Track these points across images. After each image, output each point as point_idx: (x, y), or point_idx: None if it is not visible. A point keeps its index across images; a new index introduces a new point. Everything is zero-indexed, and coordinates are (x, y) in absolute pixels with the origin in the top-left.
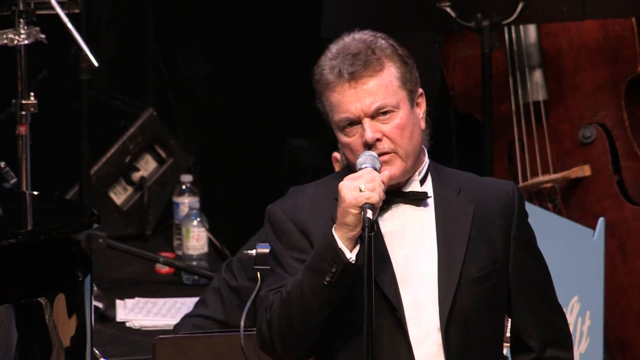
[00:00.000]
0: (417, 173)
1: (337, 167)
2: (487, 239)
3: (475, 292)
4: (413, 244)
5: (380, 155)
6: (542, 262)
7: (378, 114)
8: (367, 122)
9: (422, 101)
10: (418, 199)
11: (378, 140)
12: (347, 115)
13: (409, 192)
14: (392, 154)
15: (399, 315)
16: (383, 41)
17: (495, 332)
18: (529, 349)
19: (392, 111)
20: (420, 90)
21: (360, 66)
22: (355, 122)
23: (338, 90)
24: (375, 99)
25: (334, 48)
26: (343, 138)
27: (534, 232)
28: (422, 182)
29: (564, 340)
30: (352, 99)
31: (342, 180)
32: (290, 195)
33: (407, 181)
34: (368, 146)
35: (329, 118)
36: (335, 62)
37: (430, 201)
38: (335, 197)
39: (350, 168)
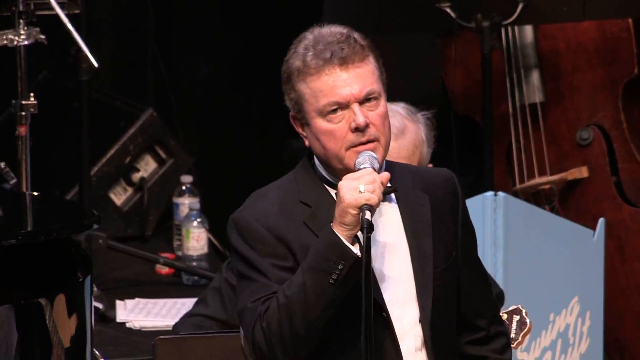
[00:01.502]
0: (382, 167)
1: None
2: (442, 229)
3: (445, 282)
4: (384, 239)
5: (367, 142)
6: (475, 240)
7: (365, 100)
8: (356, 106)
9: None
10: (385, 193)
11: (367, 126)
12: (335, 99)
13: None
14: (375, 143)
15: (386, 314)
16: (358, 34)
17: (455, 318)
18: (477, 328)
19: (377, 98)
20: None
21: (350, 52)
22: (342, 107)
23: (328, 74)
24: (365, 84)
25: (310, 36)
26: (324, 125)
27: (535, 235)
28: None
29: (499, 314)
30: (343, 83)
31: (302, 181)
32: (253, 202)
33: None
34: (358, 131)
35: (305, 106)
36: (321, 47)
37: (392, 196)
38: (300, 199)
39: (308, 163)
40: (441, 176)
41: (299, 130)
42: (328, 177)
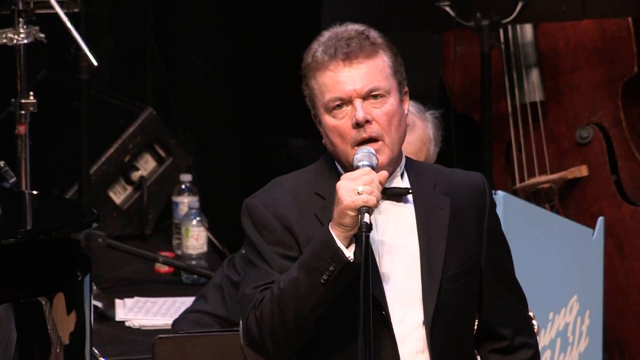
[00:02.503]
0: (397, 168)
1: None
2: (462, 233)
3: (456, 287)
4: (395, 240)
5: (369, 140)
6: (508, 250)
7: (369, 96)
8: (358, 102)
9: (407, 100)
10: (399, 195)
11: (368, 122)
12: (338, 94)
13: (392, 188)
14: (380, 143)
15: (385, 313)
16: (375, 32)
17: (471, 325)
18: (500, 337)
19: (384, 96)
20: (406, 88)
21: (356, 48)
22: (346, 103)
23: (332, 69)
24: (369, 80)
25: (326, 34)
26: (330, 121)
27: (534, 234)
28: (401, 177)
29: (529, 326)
30: (345, 79)
31: (320, 173)
32: (268, 189)
33: (389, 177)
34: (358, 127)
35: (316, 102)
36: (330, 44)
37: (409, 197)
38: (315, 191)
39: (330, 156)
40: (470, 180)
41: (320, 128)
42: (343, 172)
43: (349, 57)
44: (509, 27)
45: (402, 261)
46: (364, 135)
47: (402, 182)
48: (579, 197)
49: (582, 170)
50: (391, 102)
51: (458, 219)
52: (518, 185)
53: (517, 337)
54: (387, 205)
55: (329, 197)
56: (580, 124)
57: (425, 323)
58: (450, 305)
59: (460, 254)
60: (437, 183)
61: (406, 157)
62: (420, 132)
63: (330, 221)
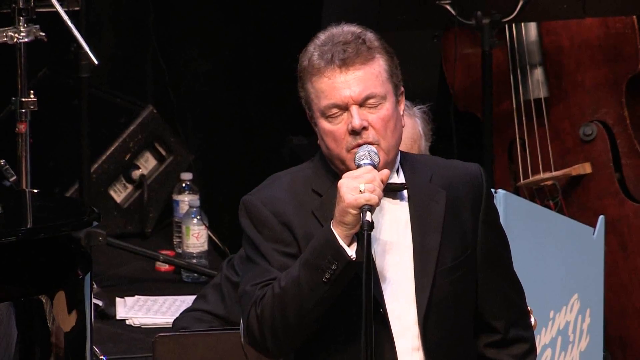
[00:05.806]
0: (393, 165)
1: None
2: (458, 226)
3: (450, 282)
4: (390, 237)
5: (364, 145)
6: (505, 242)
7: (366, 102)
8: (354, 109)
9: (402, 100)
10: (394, 191)
11: (364, 128)
12: (334, 101)
13: (387, 184)
14: (376, 147)
15: (383, 311)
16: (371, 34)
17: (469, 319)
18: (493, 330)
19: (380, 101)
20: (402, 89)
21: (352, 53)
22: (342, 109)
23: (328, 75)
24: (365, 87)
25: (322, 36)
26: (326, 126)
27: (535, 232)
28: (397, 173)
29: (525, 319)
30: (342, 85)
31: (317, 170)
32: (266, 186)
33: None
34: (354, 134)
35: (312, 105)
36: (326, 49)
37: (404, 192)
38: (312, 188)
39: (324, 156)
40: (467, 171)
41: (315, 128)
42: (339, 171)
43: (345, 64)
44: (514, 25)
45: (396, 258)
46: (360, 141)
47: (397, 177)
48: (583, 194)
49: (586, 168)
50: (387, 106)
51: (454, 211)
52: (522, 182)
53: (510, 330)
54: (383, 202)
55: (326, 194)
56: (584, 121)
57: (418, 320)
58: (444, 300)
59: (456, 247)
60: (434, 175)
61: (401, 152)
62: (410, 130)
63: (327, 219)
